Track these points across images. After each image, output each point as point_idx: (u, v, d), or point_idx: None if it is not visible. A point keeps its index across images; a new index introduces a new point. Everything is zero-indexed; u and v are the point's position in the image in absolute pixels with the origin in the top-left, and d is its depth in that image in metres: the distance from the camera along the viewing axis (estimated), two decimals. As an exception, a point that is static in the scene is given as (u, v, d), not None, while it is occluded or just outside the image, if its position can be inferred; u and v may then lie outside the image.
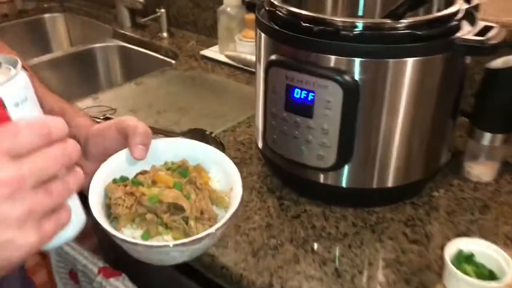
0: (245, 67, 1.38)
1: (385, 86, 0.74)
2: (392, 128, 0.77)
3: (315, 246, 0.80)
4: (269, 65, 0.79)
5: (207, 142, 0.66)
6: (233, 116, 1.16)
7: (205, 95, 1.28)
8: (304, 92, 0.76)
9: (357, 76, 0.73)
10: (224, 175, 0.63)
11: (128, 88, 1.31)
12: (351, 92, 0.74)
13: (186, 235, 0.56)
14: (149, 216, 0.57)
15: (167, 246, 0.53)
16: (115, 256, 0.93)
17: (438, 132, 0.83)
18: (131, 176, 0.62)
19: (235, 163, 0.63)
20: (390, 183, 0.83)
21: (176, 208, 0.57)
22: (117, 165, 0.62)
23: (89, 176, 0.58)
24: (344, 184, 0.83)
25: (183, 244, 0.53)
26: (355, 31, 0.72)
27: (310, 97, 0.76)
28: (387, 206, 0.88)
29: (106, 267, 0.95)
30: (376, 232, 0.83)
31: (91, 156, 0.63)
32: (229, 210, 0.57)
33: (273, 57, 0.79)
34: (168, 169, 0.63)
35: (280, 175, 0.93)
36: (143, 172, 0.63)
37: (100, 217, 0.55)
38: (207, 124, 1.13)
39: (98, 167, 0.60)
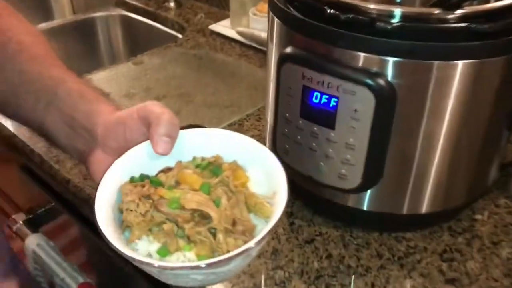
0: (258, 47, 1.21)
1: (427, 94, 0.58)
2: (433, 144, 0.62)
3: (331, 282, 0.66)
4: (283, 59, 0.64)
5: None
6: (242, 106, 1.01)
7: (211, 79, 1.12)
8: (325, 97, 0.61)
9: (393, 80, 0.57)
10: (266, 175, 0.52)
11: (125, 68, 1.16)
12: (385, 100, 0.58)
13: (213, 251, 0.46)
14: (167, 226, 0.48)
15: (184, 267, 0.44)
16: (106, 272, 0.81)
17: (489, 148, 0.67)
18: (152, 174, 0.53)
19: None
20: (425, 208, 0.67)
21: (201, 217, 0.48)
22: (137, 160, 0.53)
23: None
24: (368, 208, 0.68)
25: (208, 265, 0.43)
26: (393, 22, 0.55)
27: (332, 104, 0.60)
28: (420, 231, 0.73)
29: (87, 283, 0.82)
30: (406, 267, 0.68)
31: (109, 150, 0.54)
32: (270, 221, 0.46)
33: (288, 49, 0.63)
34: (197, 166, 0.53)
35: (292, 187, 0.78)
36: (167, 170, 0.53)
37: (104, 225, 0.46)
38: (211, 116, 0.98)
39: None
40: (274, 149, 0.71)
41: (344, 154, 0.62)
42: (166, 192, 0.50)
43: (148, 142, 0.52)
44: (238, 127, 0.95)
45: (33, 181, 0.95)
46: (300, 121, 0.64)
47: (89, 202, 0.80)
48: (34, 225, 0.95)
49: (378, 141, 0.61)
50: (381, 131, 0.60)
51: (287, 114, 0.66)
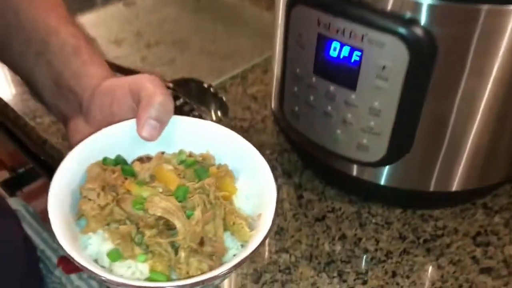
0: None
1: (472, 47, 0.46)
2: (473, 109, 0.50)
3: (345, 270, 0.56)
4: (294, 0, 0.51)
5: (203, 99, 0.52)
6: (245, 56, 0.89)
7: (210, 24, 0.99)
8: (346, 48, 0.48)
9: (432, 30, 0.45)
10: (257, 190, 0.44)
11: (115, 9, 1.03)
12: (422, 54, 0.46)
13: (171, 268, 0.40)
14: (124, 228, 0.41)
15: (129, 286, 0.37)
16: None
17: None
18: (131, 159, 0.47)
19: (242, 129, 0.48)
20: (458, 185, 0.56)
21: (167, 226, 0.41)
22: (116, 139, 0.46)
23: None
24: (389, 183, 0.57)
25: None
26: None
27: (354, 58, 0.48)
28: (449, 208, 0.62)
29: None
30: (433, 252, 0.58)
31: (92, 120, 0.49)
32: (242, 252, 0.40)
33: (300, -12, 0.50)
34: (182, 162, 0.46)
35: (302, 154, 0.67)
36: (145, 159, 0.47)
37: (54, 210, 0.40)
38: (210, 67, 0.86)
39: None
40: (281, 111, 0.60)
41: (367, 120, 0.51)
42: (134, 187, 0.43)
43: (134, 121, 0.45)
44: (241, 80, 0.83)
45: (9, 139, 0.84)
46: (314, 79, 0.52)
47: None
48: (13, 186, 0.86)
49: (409, 106, 0.49)
50: (414, 93, 0.48)
51: (298, 70, 0.54)
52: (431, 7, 0.44)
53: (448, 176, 0.56)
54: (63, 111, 0.52)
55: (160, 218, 0.41)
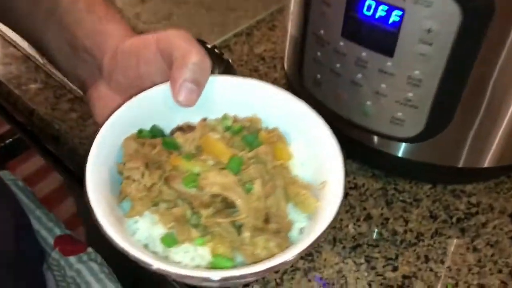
0: None
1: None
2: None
3: (373, 255, 0.51)
4: (319, -52, 0.43)
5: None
6: (250, 9, 0.81)
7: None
8: (383, 8, 0.41)
9: (492, -14, 0.38)
10: (315, 155, 0.40)
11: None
12: (477, 15, 0.38)
13: (235, 249, 0.36)
14: (178, 210, 0.37)
15: (188, 277, 0.33)
16: (108, 252, 0.66)
17: None
18: (168, 129, 0.43)
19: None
20: (491, 161, 0.51)
21: (225, 204, 0.37)
22: (150, 107, 0.41)
23: (110, 114, 0.40)
24: (422, 159, 0.51)
25: (223, 279, 0.33)
26: None
27: (394, 19, 0.41)
28: (482, 183, 0.57)
29: (66, 236, 0.67)
30: (468, 232, 0.53)
31: (117, 86, 0.44)
32: (317, 226, 0.35)
33: None
34: (227, 129, 0.42)
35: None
36: (186, 128, 0.42)
37: (96, 197, 0.35)
38: (211, 22, 0.78)
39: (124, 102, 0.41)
40: (299, 77, 0.53)
41: (404, 91, 0.44)
42: (183, 162, 0.38)
43: (167, 85, 0.40)
44: (246, 38, 0.75)
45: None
46: (342, 43, 0.45)
47: (60, 140, 0.62)
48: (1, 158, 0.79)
49: (455, 74, 0.42)
50: (463, 59, 0.41)
51: (322, 31, 0.46)
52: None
53: (483, 151, 0.50)
54: (81, 76, 0.47)
55: (216, 195, 0.37)
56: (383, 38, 0.42)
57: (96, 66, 0.45)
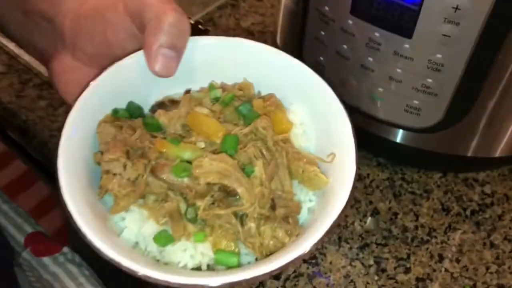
0: None
1: None
2: None
3: (382, 255, 0.46)
4: None
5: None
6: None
7: None
8: (401, -20, 0.35)
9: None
10: (316, 121, 0.35)
11: None
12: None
13: (238, 242, 0.32)
14: (170, 205, 0.32)
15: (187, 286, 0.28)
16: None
17: None
18: (146, 105, 0.37)
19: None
20: (503, 151, 0.46)
21: (224, 191, 0.32)
22: (123, 82, 0.35)
23: (77, 88, 0.35)
24: (433, 148, 0.46)
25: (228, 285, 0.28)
26: None
27: (414, -6, 0.35)
28: (496, 170, 0.52)
29: (38, 233, 0.61)
30: (483, 226, 0.48)
31: (83, 55, 0.37)
32: (331, 204, 0.30)
33: None
34: (216, 99, 0.36)
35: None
36: (168, 103, 0.37)
37: (71, 197, 0.30)
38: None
39: (92, 74, 0.36)
40: (298, 58, 0.47)
41: (423, 77, 0.38)
42: (170, 147, 0.33)
43: (141, 53, 0.34)
44: (231, 10, 0.68)
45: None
46: (350, 21, 0.39)
47: (28, 133, 0.55)
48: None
49: (482, 59, 0.37)
50: (493, 41, 0.36)
51: (327, 8, 0.40)
52: None
53: (495, 140, 0.45)
54: (38, 46, 0.40)
55: (213, 186, 0.31)
56: (400, 17, 0.36)
57: (55, 32, 0.38)
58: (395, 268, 0.46)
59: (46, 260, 0.59)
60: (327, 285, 0.44)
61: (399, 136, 0.45)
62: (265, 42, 0.63)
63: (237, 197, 0.32)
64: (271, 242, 0.32)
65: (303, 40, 0.45)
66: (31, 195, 0.77)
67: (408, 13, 0.36)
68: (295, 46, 0.47)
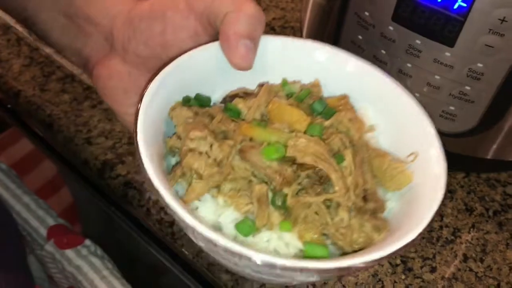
0: None
1: None
2: None
3: (409, 255, 0.47)
4: None
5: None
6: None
7: None
8: (447, -10, 0.35)
9: None
10: (393, 122, 0.35)
11: None
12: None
13: (327, 234, 0.31)
14: (260, 189, 0.30)
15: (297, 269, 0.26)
16: (101, 234, 0.60)
17: None
18: (218, 98, 0.36)
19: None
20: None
21: (313, 178, 0.31)
22: (194, 72, 0.34)
23: (124, 95, 0.36)
24: (457, 151, 0.47)
25: (323, 270, 0.26)
26: None
27: (460, 4, 0.35)
28: (517, 170, 0.53)
29: (60, 225, 0.62)
30: (506, 226, 0.50)
31: (134, 57, 0.36)
32: (420, 207, 0.30)
33: None
34: (290, 95, 0.36)
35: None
36: (243, 95, 0.36)
37: (155, 175, 0.28)
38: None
39: (141, 80, 0.35)
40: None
41: (462, 85, 0.39)
42: (257, 130, 0.31)
43: (214, 45, 0.34)
44: (251, 4, 0.68)
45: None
46: (391, 27, 0.39)
47: (53, 127, 0.55)
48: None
49: (523, 68, 0.37)
50: (535, 52, 0.36)
51: (367, 13, 0.40)
52: None
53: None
54: (83, 51, 0.39)
55: (300, 168, 0.30)
56: (444, 26, 0.36)
57: (102, 36, 0.38)
58: (421, 267, 0.47)
59: (70, 253, 0.59)
60: (356, 283, 0.45)
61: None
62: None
63: (328, 184, 0.31)
64: (360, 237, 0.30)
65: (338, 42, 0.45)
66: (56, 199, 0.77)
67: (453, 23, 0.36)
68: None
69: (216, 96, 0.36)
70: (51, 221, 0.62)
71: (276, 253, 0.30)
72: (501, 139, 0.44)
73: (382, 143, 0.35)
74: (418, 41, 0.38)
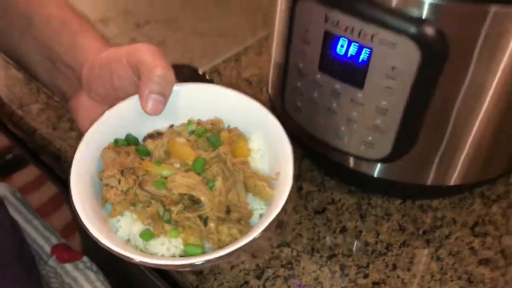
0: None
1: (480, 47, 0.45)
2: (480, 108, 0.49)
3: (347, 263, 0.56)
4: (299, -6, 0.49)
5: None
6: (238, 36, 0.87)
7: (202, 1, 0.95)
8: (354, 46, 0.47)
9: (445, 30, 0.44)
10: (270, 148, 0.46)
11: (100, -15, 0.99)
12: (434, 55, 0.45)
13: (203, 238, 0.42)
14: (151, 209, 0.43)
15: (169, 266, 0.41)
16: (104, 258, 0.70)
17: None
18: (140, 135, 0.48)
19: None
20: (458, 180, 0.57)
21: (192, 200, 0.43)
22: (124, 117, 0.47)
23: (90, 122, 0.46)
24: (394, 178, 0.57)
25: (189, 265, 0.40)
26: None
27: (363, 57, 0.47)
28: (448, 198, 0.63)
29: (62, 244, 0.72)
30: (432, 243, 0.59)
31: (96, 95, 0.48)
32: (271, 209, 0.41)
33: (306, -19, 0.48)
34: (192, 132, 0.47)
35: (300, 144, 0.66)
36: (156, 135, 0.48)
37: (79, 202, 0.41)
38: (203, 47, 0.84)
39: (102, 111, 0.46)
40: (281, 102, 0.59)
41: (373, 119, 0.50)
42: (153, 167, 0.44)
43: (137, 97, 0.45)
44: (234, 63, 0.81)
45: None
46: (319, 75, 0.51)
47: (60, 158, 0.67)
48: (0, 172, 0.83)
49: (417, 105, 0.48)
50: (423, 93, 0.47)
51: (301, 65, 0.52)
52: (444, 8, 0.43)
53: (451, 172, 0.56)
54: (61, 88, 0.51)
55: (183, 194, 0.42)
56: (354, 73, 0.48)
57: (75, 78, 0.49)
58: (356, 273, 0.56)
59: (68, 266, 0.70)
60: (299, 285, 0.54)
61: (361, 165, 0.56)
62: (260, 90, 0.77)
63: (201, 205, 0.42)
64: (227, 239, 0.41)
65: (285, 89, 0.57)
66: (58, 217, 0.87)
67: (360, 70, 0.48)
68: (280, 93, 0.59)
69: (143, 134, 0.48)
70: (54, 240, 0.72)
71: (168, 252, 0.42)
72: (415, 166, 0.55)
73: (265, 164, 0.46)
74: (338, 86, 0.50)
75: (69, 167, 0.66)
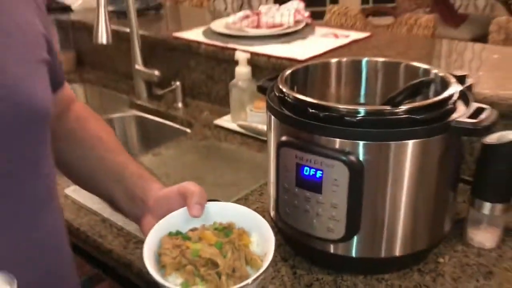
0: (256, 136, 1.45)
1: (388, 166, 0.81)
2: (396, 202, 0.83)
3: (328, 315, 0.84)
4: (280, 145, 0.87)
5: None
6: (246, 184, 1.22)
7: (219, 164, 1.35)
8: (312, 170, 0.83)
9: (361, 157, 0.80)
10: (263, 240, 0.71)
11: (146, 159, 1.39)
12: (356, 171, 0.80)
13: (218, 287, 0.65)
14: (189, 267, 0.66)
15: None
16: None
17: (440, 204, 0.89)
18: (184, 231, 0.73)
19: (246, 232, 0.73)
20: (397, 252, 0.88)
21: (212, 264, 0.66)
22: (176, 220, 0.74)
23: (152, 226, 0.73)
24: (353, 254, 0.88)
25: None
26: (358, 116, 0.79)
27: (318, 175, 0.82)
28: (396, 273, 0.92)
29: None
30: (386, 300, 0.87)
31: (156, 215, 0.75)
32: (260, 269, 0.65)
33: (283, 138, 0.86)
34: (216, 229, 0.72)
35: (293, 244, 0.98)
36: (194, 229, 0.73)
37: (149, 264, 0.66)
38: (221, 194, 1.19)
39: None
40: (277, 212, 0.93)
41: (330, 212, 0.84)
42: (191, 244, 0.69)
43: (184, 209, 0.74)
44: (244, 201, 1.16)
45: (80, 255, 1.13)
46: (296, 189, 0.86)
47: (131, 266, 0.99)
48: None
49: (354, 202, 0.82)
50: (355, 194, 0.82)
51: (286, 185, 0.88)
52: (360, 145, 0.80)
53: (391, 246, 0.87)
54: (137, 214, 0.80)
55: (208, 260, 0.67)
56: (315, 185, 0.83)
57: (145, 206, 0.78)
58: (335, 320, 0.83)
59: None
60: (298, 329, 0.82)
61: (328, 246, 0.88)
62: (263, 216, 1.10)
63: (218, 266, 0.65)
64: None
65: (278, 202, 0.91)
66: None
67: (318, 183, 0.83)
68: (276, 207, 0.93)
69: (187, 229, 0.74)
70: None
71: None
72: (364, 242, 0.86)
73: (259, 248, 0.71)
74: (308, 194, 0.84)
75: (138, 274, 0.97)
